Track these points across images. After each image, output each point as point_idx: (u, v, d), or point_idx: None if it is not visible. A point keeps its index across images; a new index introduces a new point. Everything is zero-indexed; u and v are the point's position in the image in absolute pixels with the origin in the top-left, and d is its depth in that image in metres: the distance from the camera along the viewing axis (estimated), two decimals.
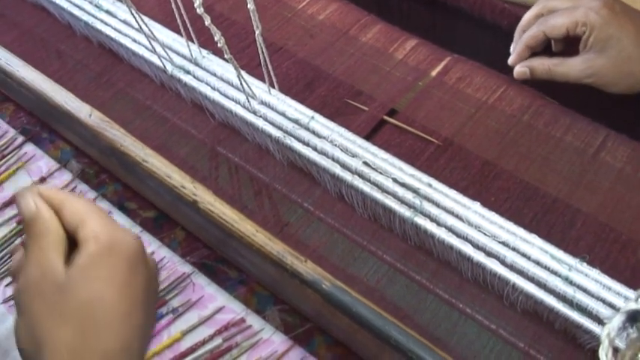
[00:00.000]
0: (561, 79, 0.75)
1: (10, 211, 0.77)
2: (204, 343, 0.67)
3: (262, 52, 0.67)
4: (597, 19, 0.71)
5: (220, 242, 0.70)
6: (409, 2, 0.97)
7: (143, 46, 0.76)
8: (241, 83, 0.67)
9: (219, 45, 0.61)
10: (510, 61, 0.79)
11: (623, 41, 0.70)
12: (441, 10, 0.93)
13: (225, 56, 0.62)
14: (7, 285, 0.73)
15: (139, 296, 0.45)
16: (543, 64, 0.75)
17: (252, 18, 0.64)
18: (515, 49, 0.78)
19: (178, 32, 0.75)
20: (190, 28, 0.72)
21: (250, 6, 0.63)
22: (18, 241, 0.73)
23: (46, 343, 0.43)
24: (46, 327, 0.44)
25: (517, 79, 0.78)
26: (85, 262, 0.44)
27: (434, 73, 0.81)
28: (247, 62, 0.82)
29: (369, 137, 0.75)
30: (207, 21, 0.59)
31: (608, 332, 0.27)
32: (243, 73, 0.73)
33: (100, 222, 0.46)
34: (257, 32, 0.65)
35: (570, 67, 0.74)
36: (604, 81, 0.73)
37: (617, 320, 0.27)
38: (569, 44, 0.77)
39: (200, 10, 0.58)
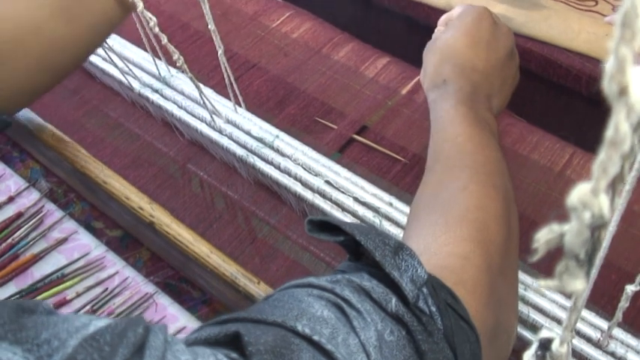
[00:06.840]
0: None
1: None
2: None
3: (226, 70, 0.67)
4: None
5: (181, 263, 0.70)
6: (386, 21, 0.97)
7: (113, 64, 0.77)
8: (204, 101, 0.67)
9: (177, 64, 0.61)
10: None
11: None
12: (416, 28, 0.94)
13: (186, 75, 0.63)
14: None
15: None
16: None
17: (215, 39, 0.64)
18: None
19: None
20: (158, 47, 0.72)
21: (211, 27, 0.63)
22: None
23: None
24: None
25: None
26: None
27: (404, 91, 0.82)
28: (219, 80, 0.82)
29: (338, 154, 0.76)
30: (164, 40, 0.59)
31: None
32: (209, 91, 0.73)
33: None
34: (219, 52, 0.65)
35: None
36: None
37: (533, 348, 0.27)
38: None
39: (156, 30, 0.58)
